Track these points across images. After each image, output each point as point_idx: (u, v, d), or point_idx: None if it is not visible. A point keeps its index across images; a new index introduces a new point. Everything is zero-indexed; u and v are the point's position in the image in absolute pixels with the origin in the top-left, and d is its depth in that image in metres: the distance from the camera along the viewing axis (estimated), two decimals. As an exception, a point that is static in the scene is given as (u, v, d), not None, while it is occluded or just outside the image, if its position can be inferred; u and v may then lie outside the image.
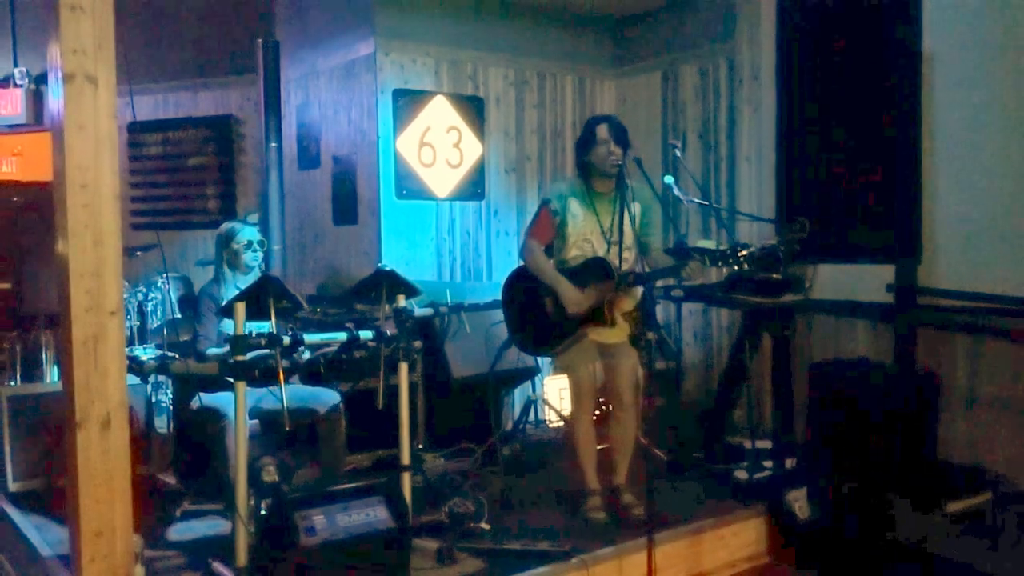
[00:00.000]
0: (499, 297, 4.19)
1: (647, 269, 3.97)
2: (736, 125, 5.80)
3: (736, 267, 3.48)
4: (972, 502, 4.10)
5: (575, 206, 3.95)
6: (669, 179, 4.55)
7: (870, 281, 4.65)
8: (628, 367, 3.94)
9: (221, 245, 4.19)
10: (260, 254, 4.21)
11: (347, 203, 6.00)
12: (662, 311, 5.75)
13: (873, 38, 4.08)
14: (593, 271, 3.86)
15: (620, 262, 3.81)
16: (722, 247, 3.54)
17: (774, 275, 4.34)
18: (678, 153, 5.04)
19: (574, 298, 3.85)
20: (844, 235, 4.17)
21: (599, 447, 4.04)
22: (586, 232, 3.94)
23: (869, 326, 4.92)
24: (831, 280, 4.86)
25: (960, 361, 4.56)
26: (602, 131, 3.89)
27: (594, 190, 3.96)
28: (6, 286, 6.38)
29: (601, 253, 3.89)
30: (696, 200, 4.78)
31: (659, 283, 4.80)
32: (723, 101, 5.95)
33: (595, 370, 3.91)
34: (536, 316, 3.97)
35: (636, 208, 3.94)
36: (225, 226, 4.25)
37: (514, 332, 4.12)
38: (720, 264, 3.53)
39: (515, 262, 4.17)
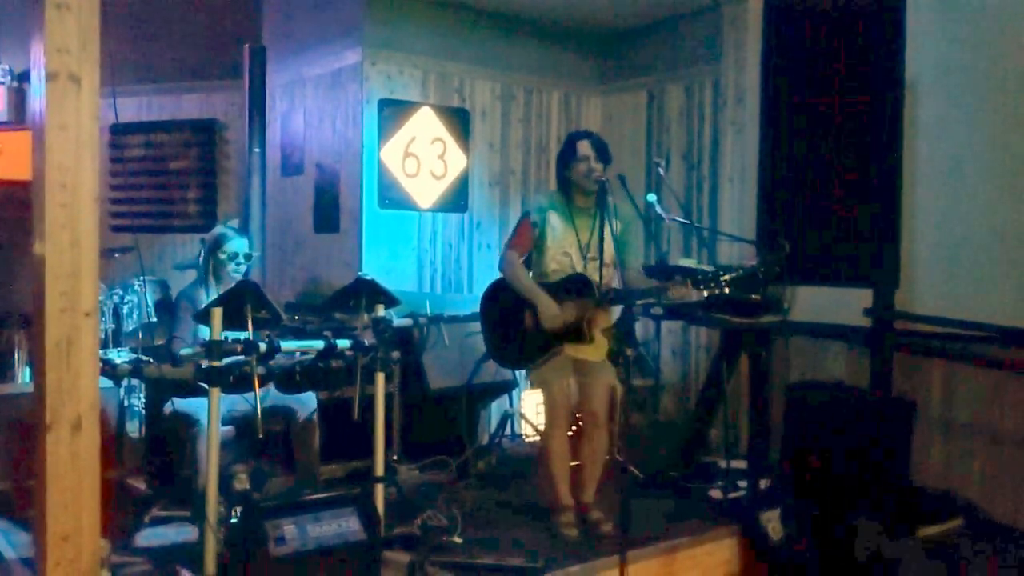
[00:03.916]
0: (479, 310, 4.18)
1: (623, 286, 3.97)
2: (720, 146, 5.84)
3: (718, 291, 3.49)
4: (944, 528, 4.12)
5: (555, 218, 3.94)
6: (652, 197, 4.57)
7: (848, 304, 4.67)
8: (603, 385, 3.93)
9: (208, 250, 4.10)
10: (244, 267, 4.09)
11: (329, 211, 5.98)
12: (641, 328, 5.76)
13: (858, 64, 4.14)
14: (574, 287, 3.85)
15: (600, 278, 3.78)
16: (704, 268, 3.55)
17: (753, 296, 4.36)
18: (661, 171, 5.07)
19: (551, 312, 3.83)
20: (823, 258, 4.21)
21: (572, 463, 4.02)
22: (565, 245, 3.94)
23: (846, 349, 4.95)
24: (810, 302, 4.88)
25: (936, 387, 4.60)
26: (583, 147, 3.89)
27: (575, 205, 3.95)
28: (-21, 284, 6.29)
29: (579, 268, 3.89)
30: (678, 219, 4.80)
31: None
32: (707, 122, 5.99)
33: (570, 386, 3.89)
34: (514, 330, 3.95)
35: (617, 226, 3.92)
36: (216, 230, 4.15)
37: (491, 346, 4.09)
38: (702, 287, 3.56)
39: (496, 275, 4.14)
